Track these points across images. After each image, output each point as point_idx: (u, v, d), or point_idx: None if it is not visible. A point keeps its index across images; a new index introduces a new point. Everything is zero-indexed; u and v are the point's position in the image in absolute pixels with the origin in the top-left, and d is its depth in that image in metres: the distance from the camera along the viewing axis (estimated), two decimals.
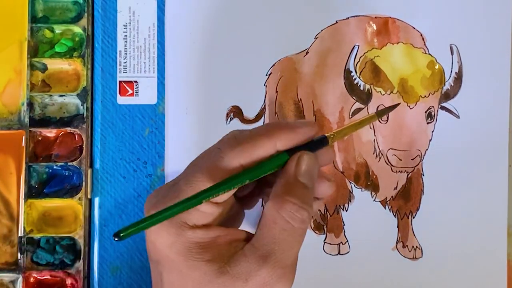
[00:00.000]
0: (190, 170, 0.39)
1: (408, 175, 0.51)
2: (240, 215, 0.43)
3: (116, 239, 0.35)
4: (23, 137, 0.49)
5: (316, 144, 0.40)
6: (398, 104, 0.49)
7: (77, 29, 0.51)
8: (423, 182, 0.51)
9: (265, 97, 0.51)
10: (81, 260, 0.49)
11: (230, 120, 0.51)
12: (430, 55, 0.51)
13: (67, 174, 0.50)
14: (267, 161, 0.38)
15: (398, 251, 0.51)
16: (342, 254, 0.51)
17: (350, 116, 0.51)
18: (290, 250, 0.38)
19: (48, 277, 0.50)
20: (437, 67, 0.51)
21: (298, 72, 0.51)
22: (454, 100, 0.51)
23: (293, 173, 0.39)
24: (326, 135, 0.40)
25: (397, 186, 0.51)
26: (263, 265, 0.37)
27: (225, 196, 0.38)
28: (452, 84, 0.51)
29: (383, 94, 0.51)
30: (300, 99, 0.51)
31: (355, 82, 0.51)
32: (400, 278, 0.51)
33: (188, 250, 0.37)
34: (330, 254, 0.51)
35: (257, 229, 0.39)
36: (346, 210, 0.51)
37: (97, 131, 0.50)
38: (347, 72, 0.51)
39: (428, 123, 0.51)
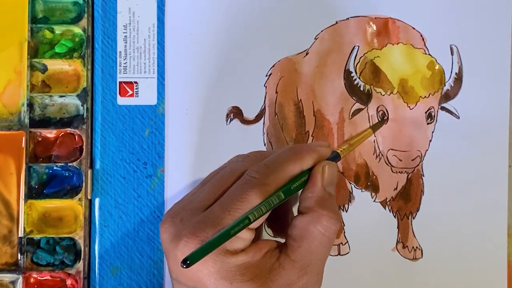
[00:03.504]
0: (227, 197, 0.41)
1: (408, 175, 0.51)
2: (260, 227, 0.46)
3: (184, 266, 0.36)
4: (23, 137, 0.50)
5: (332, 160, 0.44)
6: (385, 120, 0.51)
7: (77, 29, 0.51)
8: (423, 183, 0.51)
9: (265, 98, 0.51)
10: (81, 261, 0.49)
11: (230, 120, 0.51)
12: (430, 55, 0.51)
13: (67, 174, 0.50)
14: (295, 179, 0.42)
15: (398, 251, 0.51)
16: (342, 255, 0.51)
17: (350, 117, 0.51)
18: (324, 258, 0.42)
19: (48, 277, 0.50)
20: (437, 67, 0.51)
21: (298, 72, 0.51)
22: (454, 101, 0.51)
23: (321, 185, 0.42)
24: (337, 151, 0.45)
25: (397, 187, 0.51)
26: (303, 276, 0.41)
27: (264, 218, 0.40)
28: (452, 85, 0.51)
29: (383, 95, 0.51)
30: (300, 99, 0.51)
31: (355, 82, 0.51)
32: (400, 278, 0.51)
33: (233, 274, 0.39)
34: (330, 255, 0.50)
35: (290, 240, 0.41)
36: (346, 211, 0.51)
37: (97, 132, 0.50)
38: (347, 73, 0.51)
39: (428, 123, 0.51)
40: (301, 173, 0.42)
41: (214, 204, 0.41)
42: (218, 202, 0.41)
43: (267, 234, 0.49)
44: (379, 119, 0.51)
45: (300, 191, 0.43)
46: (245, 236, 0.40)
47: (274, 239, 0.44)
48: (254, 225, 0.40)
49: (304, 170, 0.43)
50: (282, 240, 0.43)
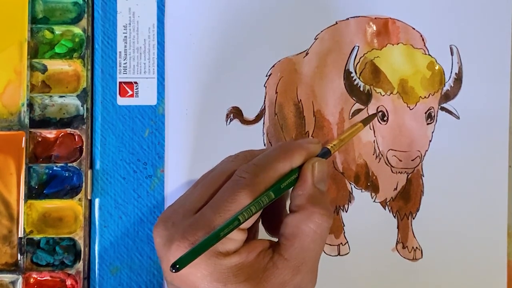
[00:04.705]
0: (218, 199, 0.40)
1: (408, 176, 0.51)
2: (255, 226, 0.46)
3: (173, 270, 0.36)
4: (23, 138, 0.50)
5: (322, 156, 0.44)
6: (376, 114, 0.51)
7: (77, 30, 0.51)
8: (423, 183, 0.51)
9: (265, 98, 0.51)
10: (81, 261, 0.49)
11: (230, 121, 0.51)
12: (430, 55, 0.51)
13: (67, 175, 0.50)
14: (285, 178, 0.42)
15: (398, 252, 0.51)
16: (342, 255, 0.51)
17: (350, 117, 0.51)
18: (317, 256, 0.42)
19: (48, 278, 0.50)
20: (437, 67, 0.51)
21: (298, 73, 0.51)
22: (454, 101, 0.51)
23: (311, 182, 0.42)
24: (328, 147, 0.45)
25: (397, 187, 0.51)
26: (296, 274, 0.40)
27: (254, 218, 0.40)
28: (452, 85, 0.51)
29: (383, 95, 0.51)
30: (300, 100, 0.51)
31: (355, 83, 0.51)
32: (400, 279, 0.51)
33: (226, 276, 0.39)
34: (330, 255, 0.51)
35: (283, 239, 0.41)
36: (346, 211, 0.51)
37: (97, 132, 0.50)
38: (347, 73, 0.51)
39: (428, 124, 0.51)
40: (291, 171, 0.42)
41: (205, 206, 0.41)
42: (208, 204, 0.40)
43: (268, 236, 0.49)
44: (379, 120, 0.51)
45: (291, 189, 0.43)
46: (237, 237, 0.40)
47: (269, 239, 0.44)
48: (245, 225, 0.40)
49: (293, 168, 0.42)
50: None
